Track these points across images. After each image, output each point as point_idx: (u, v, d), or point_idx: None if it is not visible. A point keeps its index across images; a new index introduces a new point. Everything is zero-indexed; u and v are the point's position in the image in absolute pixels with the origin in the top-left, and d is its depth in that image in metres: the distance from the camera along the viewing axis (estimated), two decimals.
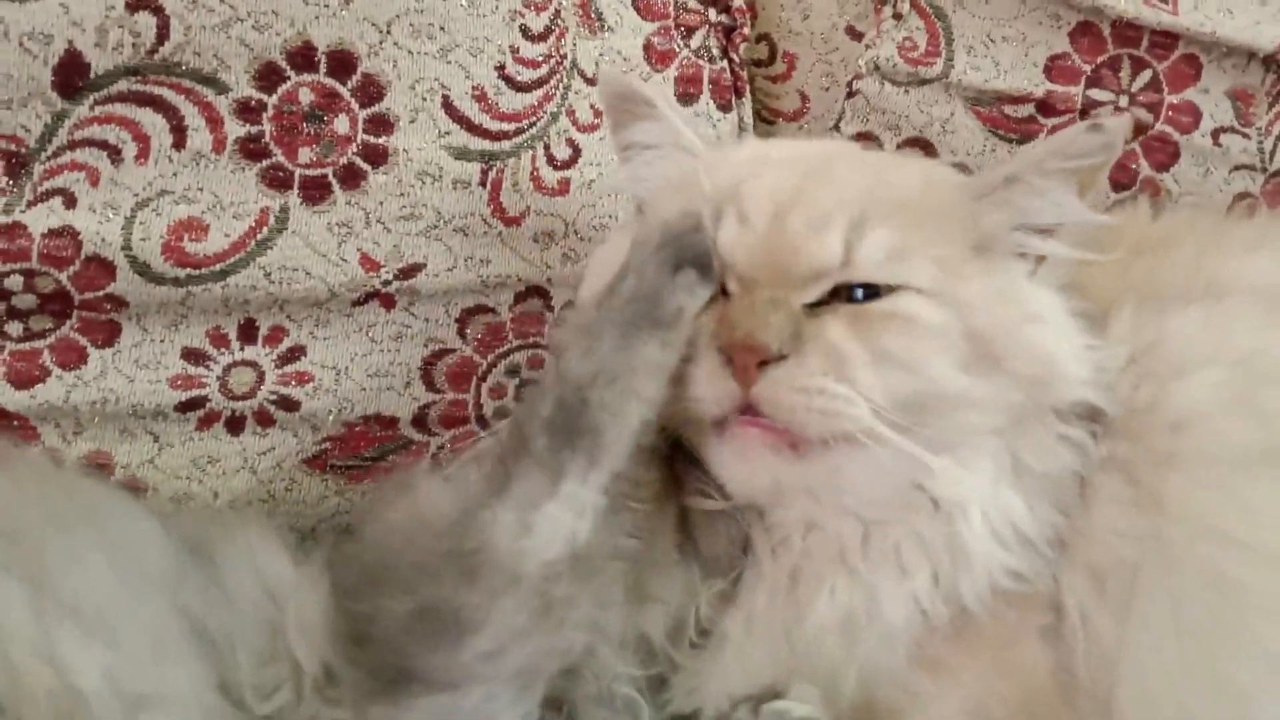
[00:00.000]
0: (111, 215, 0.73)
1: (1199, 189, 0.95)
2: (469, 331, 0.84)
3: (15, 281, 0.72)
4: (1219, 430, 0.63)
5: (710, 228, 0.63)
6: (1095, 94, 0.92)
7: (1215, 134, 0.94)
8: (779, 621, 0.65)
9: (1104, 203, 0.92)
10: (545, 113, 0.82)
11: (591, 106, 0.84)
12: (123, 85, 0.72)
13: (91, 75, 0.71)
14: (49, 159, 0.71)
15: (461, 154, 0.80)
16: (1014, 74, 0.92)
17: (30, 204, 0.71)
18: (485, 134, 0.80)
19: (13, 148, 0.70)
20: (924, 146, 0.94)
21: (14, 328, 0.73)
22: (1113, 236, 0.71)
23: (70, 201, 0.72)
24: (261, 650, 0.60)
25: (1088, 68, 0.92)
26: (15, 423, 0.74)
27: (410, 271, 0.80)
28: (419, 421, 0.85)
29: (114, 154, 0.73)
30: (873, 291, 0.62)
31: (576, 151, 0.84)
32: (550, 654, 0.59)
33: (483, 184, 0.81)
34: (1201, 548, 0.62)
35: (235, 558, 0.63)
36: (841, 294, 0.62)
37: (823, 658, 0.64)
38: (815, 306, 0.62)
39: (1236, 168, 0.95)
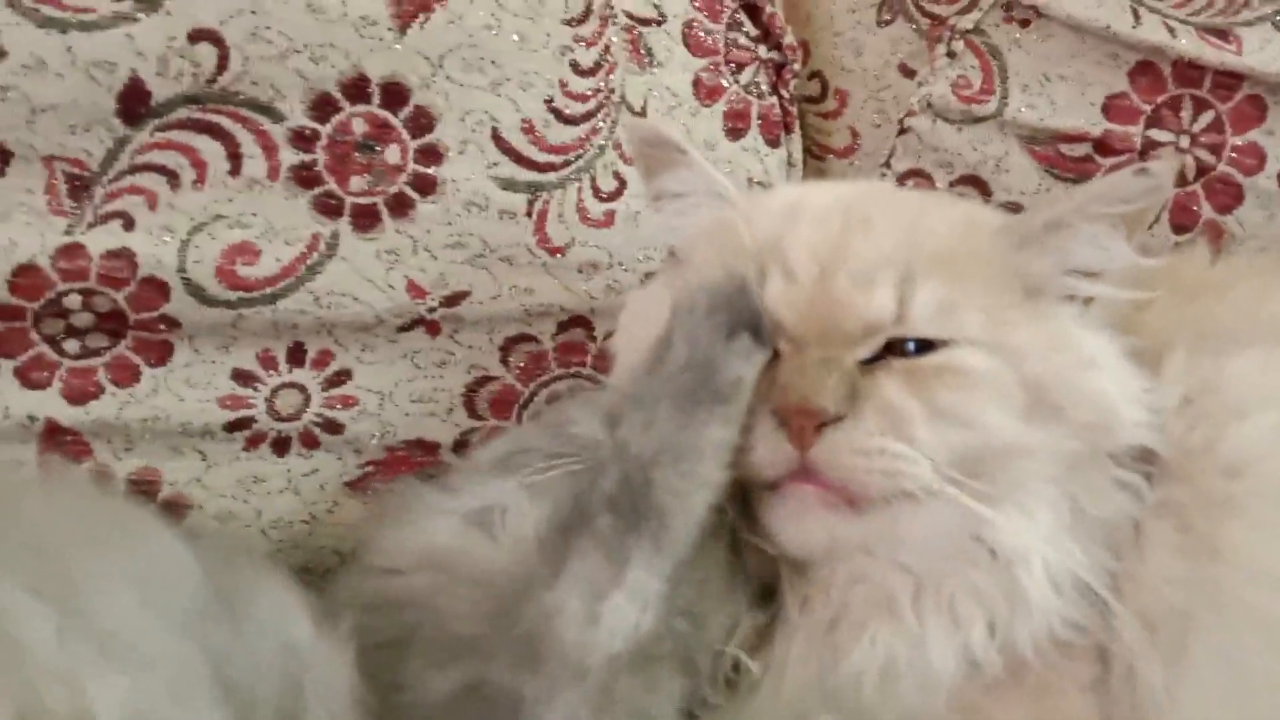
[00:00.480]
0: (168, 238, 0.75)
1: (1264, 232, 0.92)
2: (512, 359, 0.85)
3: (74, 300, 0.74)
4: (1277, 474, 0.62)
5: (755, 285, 0.62)
6: (1155, 134, 0.91)
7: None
8: (814, 665, 0.64)
9: (1165, 245, 0.91)
10: (592, 146, 0.83)
11: None
12: (182, 113, 0.74)
13: (153, 103, 0.73)
14: (110, 183, 0.74)
15: (509, 185, 0.81)
16: (1070, 113, 0.91)
17: (90, 225, 0.74)
18: (533, 165, 0.81)
19: (76, 171, 0.73)
20: (977, 185, 0.93)
21: (71, 345, 0.76)
22: (1168, 278, 0.70)
23: (129, 224, 0.74)
24: (282, 709, 0.58)
25: (1147, 108, 0.91)
26: (69, 438, 0.76)
27: (455, 299, 0.81)
28: (460, 448, 0.85)
29: (172, 179, 0.75)
30: (924, 344, 0.61)
31: (622, 184, 0.85)
32: None
33: (529, 214, 0.82)
34: (1259, 595, 0.60)
35: (260, 609, 0.61)
36: (894, 349, 0.61)
37: (857, 704, 0.63)
38: (868, 363, 0.61)
39: None
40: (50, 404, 0.76)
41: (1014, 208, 0.91)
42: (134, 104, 0.73)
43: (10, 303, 0.73)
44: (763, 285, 0.63)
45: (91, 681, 0.53)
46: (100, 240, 0.74)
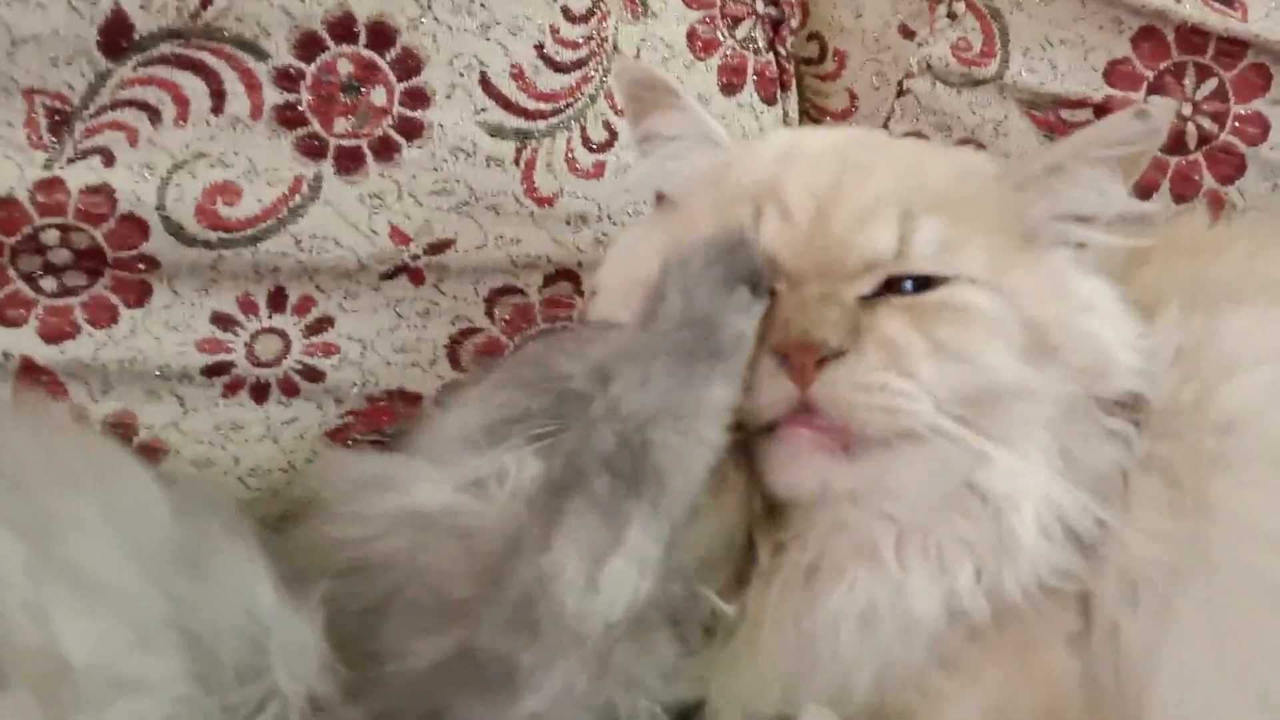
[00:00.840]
0: (148, 175, 0.74)
1: (1266, 204, 0.91)
2: (497, 311, 0.84)
3: (52, 236, 0.73)
4: (1269, 431, 0.61)
5: (751, 227, 0.62)
6: (1156, 101, 0.89)
7: None
8: (790, 610, 0.62)
9: (1165, 214, 0.90)
10: (583, 94, 0.82)
11: None
12: (165, 48, 0.73)
13: (135, 36, 0.72)
14: (91, 117, 0.73)
15: (496, 131, 0.80)
16: (1072, 78, 0.90)
17: (70, 161, 0.73)
18: (521, 112, 0.81)
19: (57, 105, 0.72)
20: (976, 148, 0.92)
21: (49, 283, 0.75)
22: (1166, 237, 0.69)
23: (109, 160, 0.73)
24: (243, 665, 0.56)
25: (1150, 74, 0.90)
26: (44, 378, 0.75)
27: (440, 247, 0.81)
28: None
29: (154, 115, 0.74)
30: (922, 282, 0.61)
31: (613, 135, 0.84)
32: (594, 714, 0.56)
33: (516, 163, 0.81)
34: (1245, 551, 0.59)
35: (224, 569, 0.59)
36: (893, 287, 0.61)
37: (836, 651, 0.61)
38: (867, 300, 0.60)
39: None
40: (26, 342, 0.75)
41: None
42: (116, 37, 0.72)
43: None
44: (758, 225, 0.62)
45: (60, 618, 0.52)
46: (79, 175, 0.73)
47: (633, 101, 0.71)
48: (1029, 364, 0.60)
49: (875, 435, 0.58)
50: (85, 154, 0.73)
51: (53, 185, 0.72)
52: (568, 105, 0.82)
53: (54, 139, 0.72)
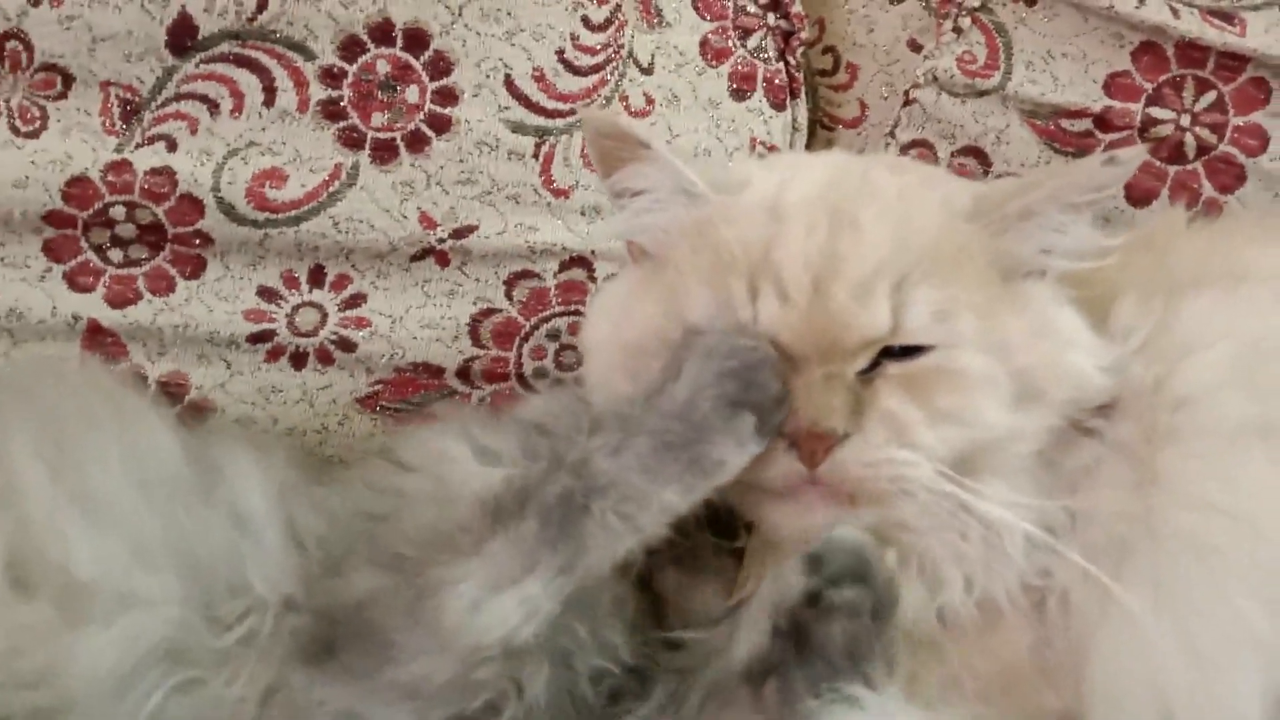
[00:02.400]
0: (205, 160, 0.83)
1: (1268, 213, 0.93)
2: (515, 294, 0.91)
3: (119, 211, 0.82)
4: (1217, 405, 0.64)
5: (748, 305, 0.63)
6: (1155, 112, 0.92)
7: None
8: None
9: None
10: (599, 96, 0.89)
11: (644, 94, 0.90)
12: (224, 47, 0.81)
13: (199, 36, 0.81)
14: (158, 108, 0.82)
15: (518, 128, 0.87)
16: (1072, 89, 0.93)
17: (138, 146, 0.82)
18: (541, 111, 0.87)
19: (128, 96, 0.81)
20: (978, 155, 0.96)
21: (115, 254, 0.84)
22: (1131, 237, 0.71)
23: (172, 146, 0.82)
24: (234, 583, 0.62)
25: (1149, 86, 0.93)
26: (108, 340, 0.85)
27: (464, 232, 0.88)
28: (463, 374, 0.91)
29: (212, 107, 0.83)
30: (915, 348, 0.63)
31: None
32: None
33: (535, 157, 0.88)
34: (1187, 517, 0.62)
35: (225, 484, 0.65)
36: (886, 352, 0.63)
37: None
38: (865, 374, 0.63)
39: None
40: (93, 306, 0.84)
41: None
42: (182, 36, 0.81)
43: (63, 211, 0.81)
44: (756, 304, 0.63)
45: (75, 539, 0.60)
46: (145, 159, 0.82)
47: (601, 155, 0.69)
48: (1019, 410, 0.64)
49: (878, 495, 0.62)
50: (151, 140, 0.82)
51: (122, 167, 0.81)
52: (585, 106, 0.89)
53: (124, 126, 0.82)
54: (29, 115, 0.80)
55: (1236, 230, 0.78)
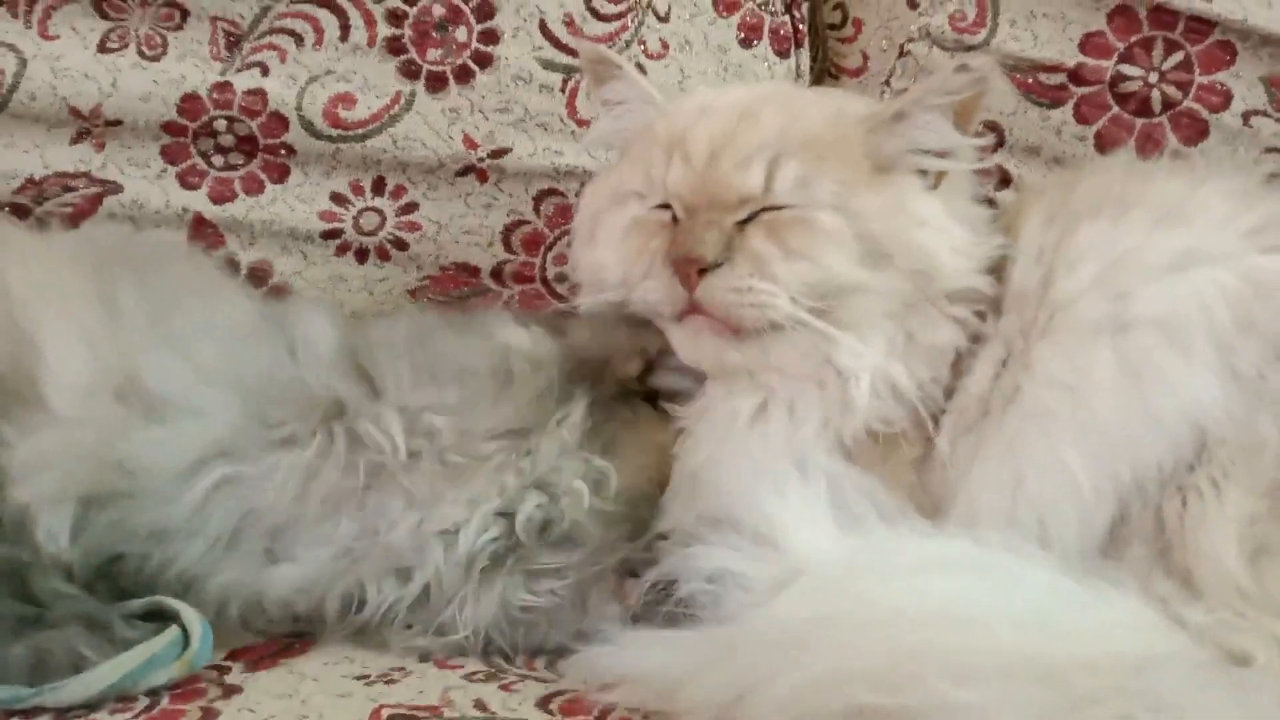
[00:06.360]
0: (291, 84, 1.00)
1: (1227, 165, 1.02)
2: (542, 208, 1.06)
3: (221, 124, 1.01)
4: (1084, 311, 0.76)
5: (663, 169, 0.80)
6: (1125, 69, 1.01)
7: (1246, 116, 1.01)
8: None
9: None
10: (621, 40, 1.03)
11: (660, 40, 1.04)
12: None
13: None
14: (255, 39, 1.00)
15: (549, 65, 1.02)
16: (1050, 46, 1.02)
17: (238, 70, 1.00)
18: (569, 51, 1.02)
19: (231, 29, 0.99)
20: None
21: (217, 160, 1.02)
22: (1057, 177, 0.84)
23: (264, 71, 1.00)
24: (286, 395, 0.78)
25: (1121, 45, 1.01)
26: (209, 230, 1.04)
27: (500, 153, 1.03)
28: (496, 275, 1.08)
29: (298, 40, 1.00)
30: (785, 209, 0.78)
31: (643, 73, 1.03)
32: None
33: (563, 90, 1.03)
34: (1043, 392, 0.76)
35: (298, 324, 0.82)
36: (764, 213, 0.78)
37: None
38: (742, 224, 0.78)
39: (1267, 150, 1.02)
40: (199, 201, 1.03)
41: (990, 126, 1.05)
42: None
43: (177, 122, 1.00)
44: (667, 168, 0.80)
45: (155, 360, 0.77)
46: (243, 81, 1.00)
47: (592, 75, 0.89)
48: (865, 268, 0.77)
49: (752, 326, 0.77)
50: (248, 66, 1.00)
51: (224, 87, 0.99)
52: (609, 47, 1.02)
53: (228, 53, 1.00)
54: (153, 42, 0.99)
55: (1137, 168, 0.89)
